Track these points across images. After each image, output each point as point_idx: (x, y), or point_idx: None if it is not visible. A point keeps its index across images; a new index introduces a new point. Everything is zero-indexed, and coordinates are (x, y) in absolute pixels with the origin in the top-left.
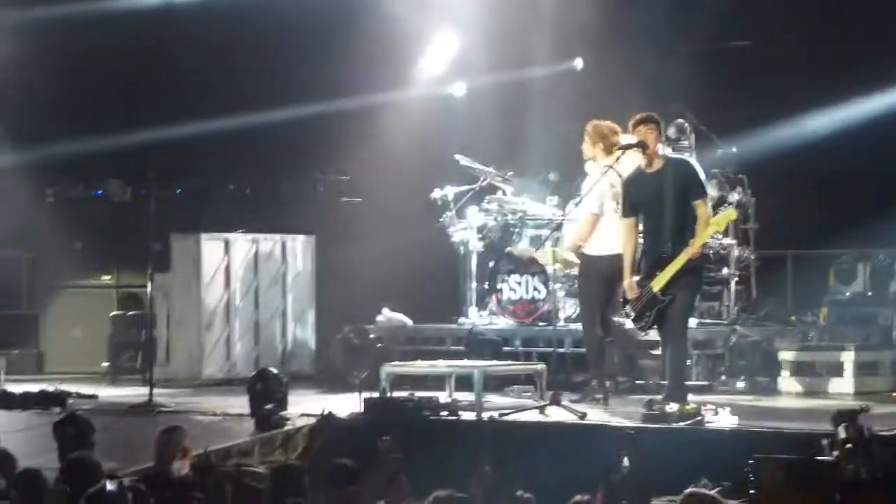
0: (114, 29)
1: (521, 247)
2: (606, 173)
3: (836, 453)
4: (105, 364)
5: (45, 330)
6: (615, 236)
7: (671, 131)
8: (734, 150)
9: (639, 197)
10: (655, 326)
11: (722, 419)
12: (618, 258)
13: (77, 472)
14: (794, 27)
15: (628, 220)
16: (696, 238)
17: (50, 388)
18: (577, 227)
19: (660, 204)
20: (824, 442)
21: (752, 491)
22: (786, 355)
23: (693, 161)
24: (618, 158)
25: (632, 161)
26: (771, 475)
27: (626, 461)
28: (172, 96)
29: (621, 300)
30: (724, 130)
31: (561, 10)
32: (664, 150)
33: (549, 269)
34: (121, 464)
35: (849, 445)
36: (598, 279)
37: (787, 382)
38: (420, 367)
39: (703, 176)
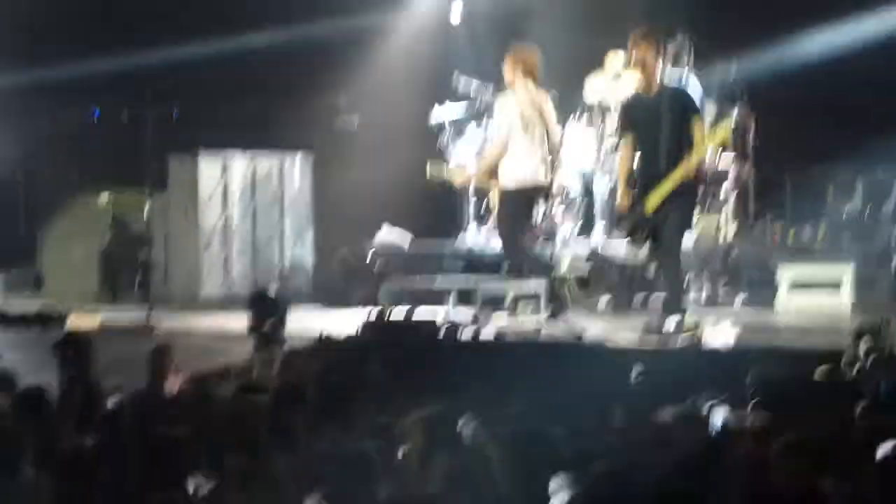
0: None
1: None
2: (516, 95)
3: (856, 368)
4: (103, 284)
5: (43, 250)
6: (525, 162)
7: (669, 49)
8: (734, 68)
9: (634, 116)
10: (648, 243)
11: (722, 333)
12: (532, 189)
13: (74, 391)
14: None
15: (625, 139)
16: (691, 156)
17: (48, 307)
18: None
19: (656, 123)
20: (843, 358)
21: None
22: (784, 271)
23: (692, 87)
24: (618, 76)
25: (632, 80)
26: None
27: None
28: (170, 18)
29: (616, 217)
30: (725, 46)
31: None
32: (665, 70)
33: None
34: (119, 383)
35: (872, 357)
36: (518, 208)
37: (786, 297)
38: (419, 283)
39: (700, 99)
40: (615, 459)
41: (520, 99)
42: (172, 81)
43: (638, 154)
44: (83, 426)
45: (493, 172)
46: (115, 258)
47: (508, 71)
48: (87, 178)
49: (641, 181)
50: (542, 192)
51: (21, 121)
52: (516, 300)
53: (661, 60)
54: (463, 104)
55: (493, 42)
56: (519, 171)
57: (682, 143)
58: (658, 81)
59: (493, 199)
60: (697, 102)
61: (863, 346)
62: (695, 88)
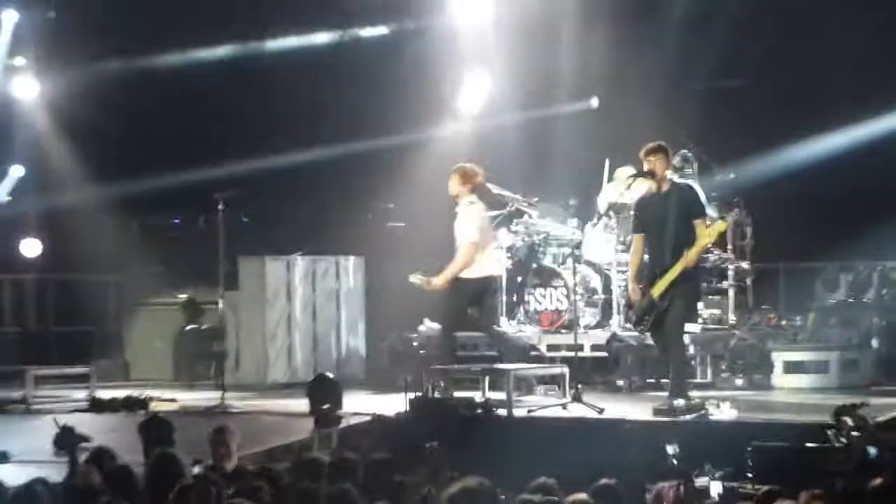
0: (183, 78)
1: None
2: (474, 205)
3: (842, 440)
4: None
5: (130, 342)
6: (485, 260)
7: (676, 160)
8: (732, 176)
9: (646, 216)
10: (651, 330)
11: (723, 412)
12: (484, 280)
13: (162, 465)
14: (780, 68)
15: (637, 235)
16: (693, 248)
17: (134, 393)
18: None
19: (663, 222)
20: (830, 432)
21: (749, 475)
22: (779, 355)
23: (696, 186)
24: (629, 185)
25: (642, 186)
26: (768, 461)
27: (670, 450)
28: (238, 138)
29: (625, 306)
30: (723, 159)
31: (579, 54)
32: (671, 175)
33: (570, 284)
34: (197, 458)
35: (855, 433)
36: (467, 299)
37: (780, 379)
38: (458, 369)
39: (703, 199)
40: None
41: (481, 207)
42: (243, 192)
43: (647, 249)
44: (166, 498)
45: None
46: (193, 349)
47: (455, 185)
48: (168, 278)
49: (650, 272)
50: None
51: (111, 229)
52: (544, 382)
53: (667, 168)
54: (494, 211)
55: (522, 152)
56: (481, 266)
57: (686, 238)
58: (666, 185)
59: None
60: (700, 202)
61: (848, 422)
62: (697, 191)
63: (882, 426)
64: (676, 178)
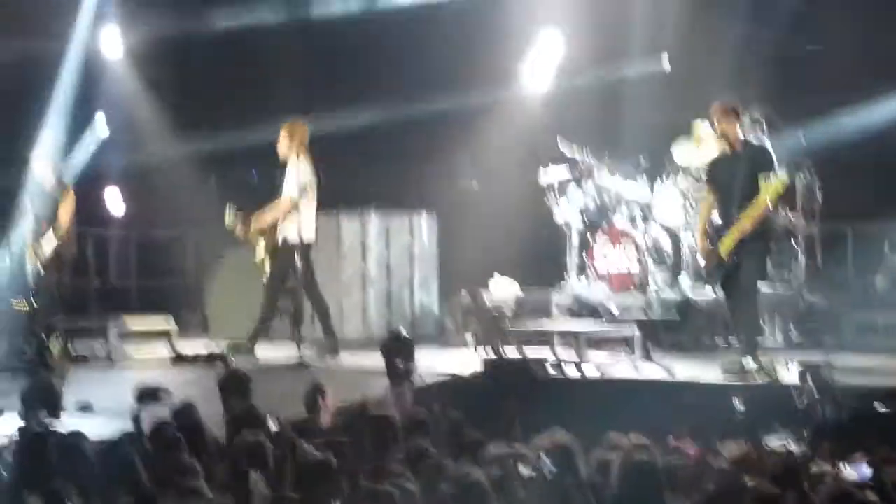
0: (263, 35)
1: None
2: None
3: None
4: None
5: (209, 297)
6: (303, 223)
7: (746, 121)
8: (801, 137)
9: (717, 175)
10: (721, 287)
11: (792, 374)
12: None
13: (241, 420)
14: (852, 31)
15: (707, 193)
16: (755, 205)
17: (214, 348)
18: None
19: (732, 180)
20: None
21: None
22: (849, 317)
23: (768, 145)
24: (700, 145)
25: (714, 145)
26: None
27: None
28: (316, 92)
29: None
30: (793, 120)
31: (650, 14)
32: (743, 136)
33: (641, 244)
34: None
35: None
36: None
37: (850, 340)
38: (529, 327)
39: (774, 157)
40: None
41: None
42: (317, 148)
43: (718, 206)
44: (244, 452)
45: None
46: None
47: (285, 146)
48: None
49: (718, 230)
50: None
51: (189, 184)
52: (613, 342)
53: (739, 127)
54: (565, 166)
55: (593, 110)
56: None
57: (753, 196)
58: (739, 146)
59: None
60: (769, 160)
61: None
62: (768, 149)
63: (845, 389)
64: (751, 138)
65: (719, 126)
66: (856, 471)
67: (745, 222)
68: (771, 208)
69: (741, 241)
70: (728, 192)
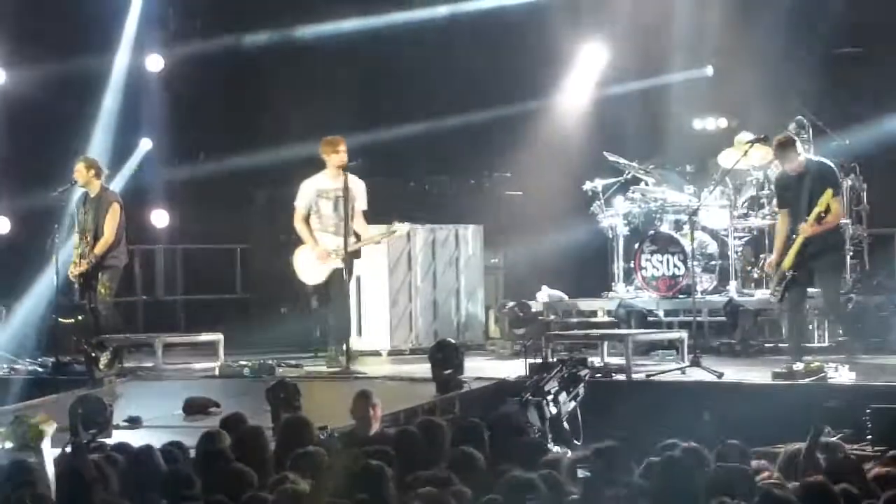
0: (308, 51)
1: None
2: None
3: None
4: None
5: (257, 310)
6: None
7: (791, 127)
8: (847, 141)
9: (785, 194)
10: (781, 298)
11: (842, 375)
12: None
13: (290, 430)
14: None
15: (782, 211)
16: (808, 220)
17: (263, 359)
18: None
19: (798, 198)
20: None
21: (869, 437)
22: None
23: (830, 161)
24: (746, 152)
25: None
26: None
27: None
28: (363, 107)
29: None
30: (838, 124)
31: (695, 21)
32: (803, 157)
33: (688, 249)
34: (324, 422)
35: None
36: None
37: None
38: (577, 334)
39: (835, 172)
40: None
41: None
42: (363, 163)
43: (790, 223)
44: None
45: None
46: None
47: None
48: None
49: (788, 244)
50: None
51: (236, 201)
52: (662, 347)
53: (797, 155)
54: (610, 174)
55: (639, 119)
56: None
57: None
58: (801, 168)
59: None
60: (833, 177)
61: None
62: (831, 166)
63: None
64: (811, 157)
65: (781, 163)
66: None
67: (800, 238)
68: (840, 221)
69: (807, 254)
70: (797, 209)
